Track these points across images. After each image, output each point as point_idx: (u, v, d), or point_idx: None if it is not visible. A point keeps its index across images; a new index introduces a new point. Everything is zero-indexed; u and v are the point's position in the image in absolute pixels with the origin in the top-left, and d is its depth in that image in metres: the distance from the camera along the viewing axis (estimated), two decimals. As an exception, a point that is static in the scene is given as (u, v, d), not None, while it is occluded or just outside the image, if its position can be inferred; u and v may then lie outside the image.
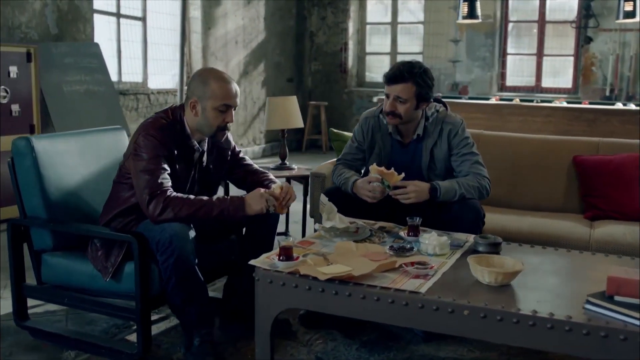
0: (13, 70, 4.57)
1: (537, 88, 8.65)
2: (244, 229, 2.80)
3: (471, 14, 6.22)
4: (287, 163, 4.14)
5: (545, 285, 2.11)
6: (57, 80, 5.13)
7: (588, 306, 1.84)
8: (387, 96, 2.83)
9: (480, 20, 6.50)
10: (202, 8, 7.52)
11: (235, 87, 2.59)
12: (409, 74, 2.78)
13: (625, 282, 1.81)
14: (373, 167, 2.73)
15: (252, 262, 2.19)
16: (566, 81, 8.55)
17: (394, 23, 9.58)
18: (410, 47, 9.55)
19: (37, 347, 2.64)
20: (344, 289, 2.01)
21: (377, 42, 9.91)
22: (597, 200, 3.31)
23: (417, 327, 2.01)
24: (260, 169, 2.89)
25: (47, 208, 2.63)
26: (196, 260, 2.41)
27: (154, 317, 2.86)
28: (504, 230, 3.04)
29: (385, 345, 2.67)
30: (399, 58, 9.71)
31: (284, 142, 4.09)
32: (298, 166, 4.25)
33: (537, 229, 3.05)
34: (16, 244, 2.69)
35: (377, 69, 9.87)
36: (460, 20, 6.53)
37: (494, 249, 2.41)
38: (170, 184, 2.45)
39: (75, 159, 2.78)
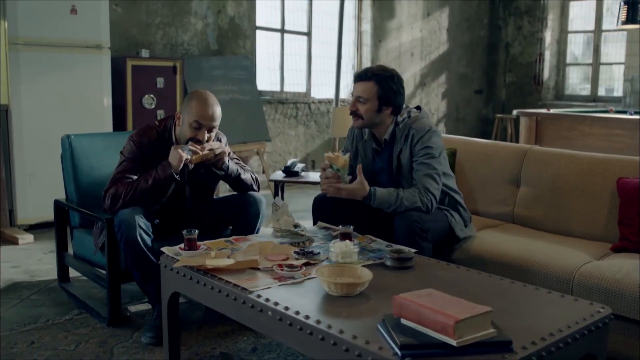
0: (160, 81, 5.43)
1: None
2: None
3: (632, 18, 5.47)
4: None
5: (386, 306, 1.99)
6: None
7: (379, 326, 1.77)
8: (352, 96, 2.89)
9: (644, 26, 5.69)
10: (372, 22, 7.83)
11: (213, 110, 2.86)
12: (371, 74, 2.82)
13: (408, 303, 1.71)
14: (325, 156, 2.80)
15: (163, 248, 2.48)
16: None
17: (597, 31, 8.75)
18: (615, 56, 8.63)
19: (64, 304, 3.25)
20: (202, 280, 2.20)
21: (577, 52, 9.14)
22: (627, 231, 2.86)
23: (245, 323, 2.09)
24: (252, 172, 3.14)
25: (78, 193, 3.23)
26: (149, 244, 2.76)
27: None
28: (489, 252, 2.85)
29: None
30: (602, 69, 8.85)
31: (347, 151, 4.20)
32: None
33: (524, 254, 2.75)
34: (59, 220, 3.35)
35: (580, 80, 9.12)
36: (620, 26, 5.78)
37: (401, 263, 2.34)
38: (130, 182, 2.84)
39: (109, 155, 3.34)
